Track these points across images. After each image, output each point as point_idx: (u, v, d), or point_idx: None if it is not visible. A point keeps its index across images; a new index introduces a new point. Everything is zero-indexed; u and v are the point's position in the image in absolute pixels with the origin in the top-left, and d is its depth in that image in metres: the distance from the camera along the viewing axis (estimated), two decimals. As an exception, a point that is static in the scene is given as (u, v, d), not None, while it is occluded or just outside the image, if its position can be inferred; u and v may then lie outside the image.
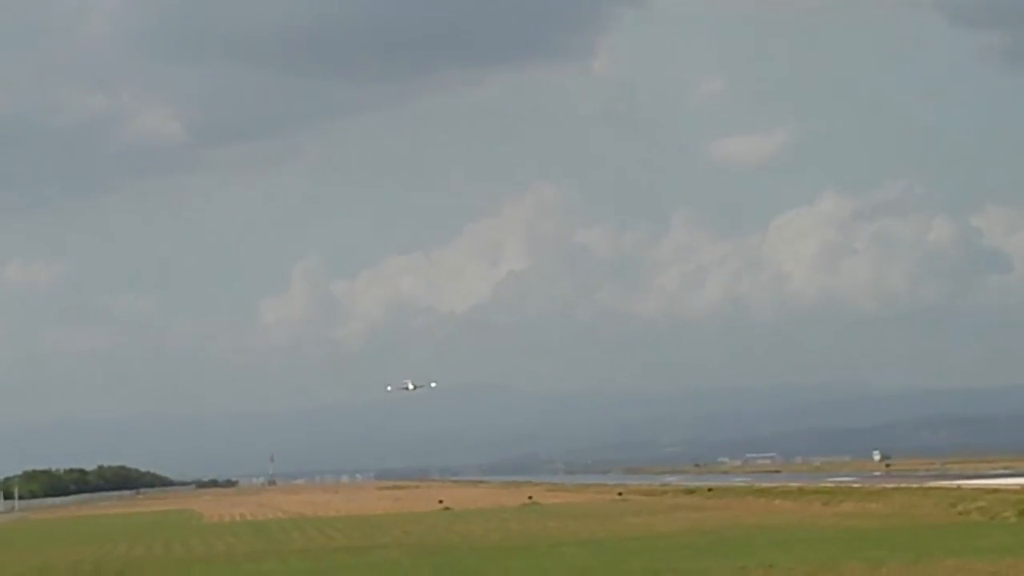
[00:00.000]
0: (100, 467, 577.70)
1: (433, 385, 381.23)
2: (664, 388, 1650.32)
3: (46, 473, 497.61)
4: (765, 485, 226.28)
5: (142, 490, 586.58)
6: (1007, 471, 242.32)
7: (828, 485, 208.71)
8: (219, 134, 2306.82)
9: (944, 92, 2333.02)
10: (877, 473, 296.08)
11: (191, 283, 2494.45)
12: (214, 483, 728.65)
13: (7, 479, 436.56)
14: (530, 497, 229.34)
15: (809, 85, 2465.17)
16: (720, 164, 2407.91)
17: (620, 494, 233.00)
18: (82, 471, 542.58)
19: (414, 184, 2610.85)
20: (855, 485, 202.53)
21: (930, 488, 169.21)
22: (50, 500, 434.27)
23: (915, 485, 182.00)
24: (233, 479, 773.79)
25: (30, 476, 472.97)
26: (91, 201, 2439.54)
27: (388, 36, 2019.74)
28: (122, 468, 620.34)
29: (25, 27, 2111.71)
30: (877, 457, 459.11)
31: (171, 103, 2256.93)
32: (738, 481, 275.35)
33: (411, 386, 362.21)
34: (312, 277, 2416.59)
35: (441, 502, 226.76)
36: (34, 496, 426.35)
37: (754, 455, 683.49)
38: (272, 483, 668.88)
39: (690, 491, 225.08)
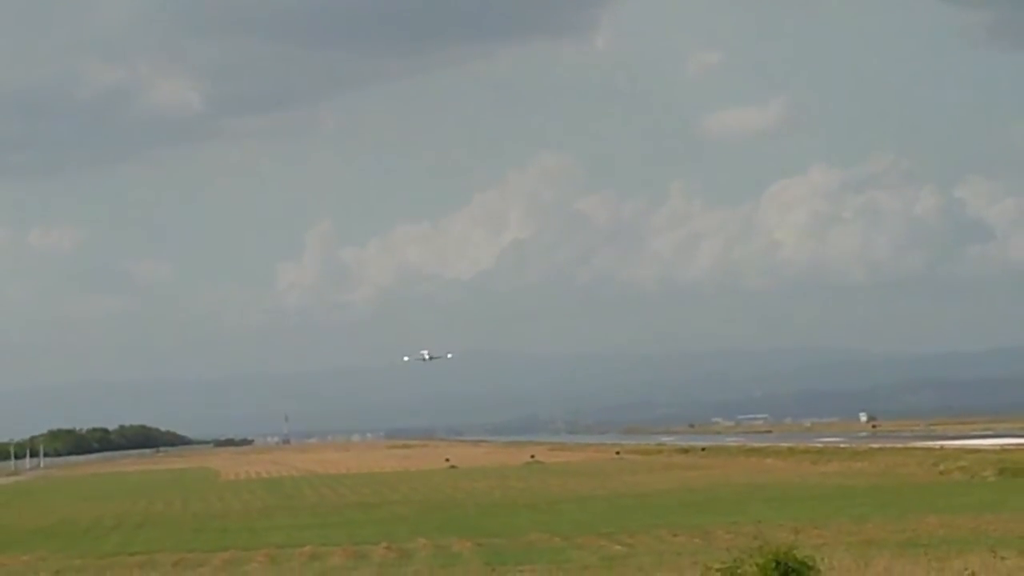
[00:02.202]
0: (121, 426, 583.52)
1: (449, 356, 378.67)
2: (660, 351, 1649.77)
3: (70, 432, 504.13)
4: (757, 445, 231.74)
5: (162, 448, 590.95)
6: (987, 432, 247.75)
7: (817, 445, 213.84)
8: (236, 105, 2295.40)
9: (930, 68, 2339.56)
10: (863, 434, 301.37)
11: (208, 249, 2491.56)
12: (231, 442, 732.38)
13: (32, 438, 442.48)
14: (532, 456, 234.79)
15: (802, 60, 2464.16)
16: (716, 136, 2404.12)
17: (618, 453, 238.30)
18: (104, 430, 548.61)
19: (423, 154, 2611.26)
20: (843, 445, 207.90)
21: (914, 448, 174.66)
22: (74, 458, 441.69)
23: (900, 446, 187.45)
24: (249, 438, 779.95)
25: (55, 435, 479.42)
26: (111, 169, 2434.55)
27: (401, 10, 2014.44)
28: (143, 427, 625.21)
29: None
30: (864, 419, 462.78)
31: (190, 75, 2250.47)
32: (731, 441, 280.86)
33: (427, 356, 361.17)
34: (324, 243, 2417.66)
35: (447, 460, 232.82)
36: (58, 454, 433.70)
37: (746, 416, 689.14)
38: (286, 442, 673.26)
39: (684, 450, 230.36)
